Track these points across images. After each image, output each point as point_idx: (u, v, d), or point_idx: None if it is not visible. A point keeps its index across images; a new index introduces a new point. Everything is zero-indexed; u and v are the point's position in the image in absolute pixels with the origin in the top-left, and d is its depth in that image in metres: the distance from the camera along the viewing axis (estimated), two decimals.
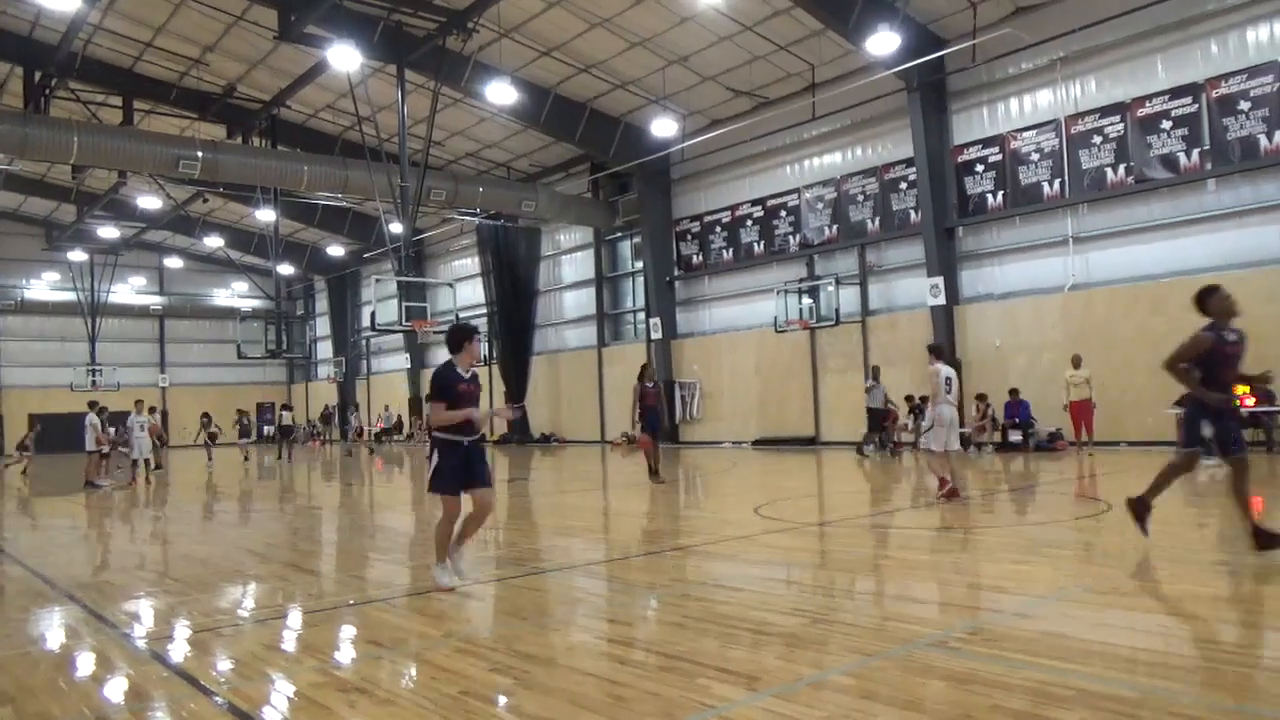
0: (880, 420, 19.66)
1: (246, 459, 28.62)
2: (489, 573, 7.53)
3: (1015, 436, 18.85)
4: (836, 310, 22.52)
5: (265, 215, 32.70)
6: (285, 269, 39.18)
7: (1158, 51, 17.68)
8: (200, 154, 22.47)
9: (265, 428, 42.30)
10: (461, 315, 28.50)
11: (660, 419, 15.11)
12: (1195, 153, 17.11)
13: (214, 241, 39.11)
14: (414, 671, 4.66)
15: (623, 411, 27.66)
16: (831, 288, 22.78)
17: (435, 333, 32.07)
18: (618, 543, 8.99)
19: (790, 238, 24.46)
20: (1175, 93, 17.30)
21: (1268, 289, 16.10)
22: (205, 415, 29.29)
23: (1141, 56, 17.89)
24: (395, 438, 38.33)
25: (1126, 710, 3.57)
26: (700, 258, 27.04)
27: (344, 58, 20.23)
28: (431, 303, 27.15)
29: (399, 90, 22.83)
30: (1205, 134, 16.94)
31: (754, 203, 25.38)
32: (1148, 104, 17.67)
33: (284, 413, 32.55)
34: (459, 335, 6.61)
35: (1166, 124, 17.41)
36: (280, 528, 11.52)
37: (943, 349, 11.77)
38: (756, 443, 24.80)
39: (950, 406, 10.88)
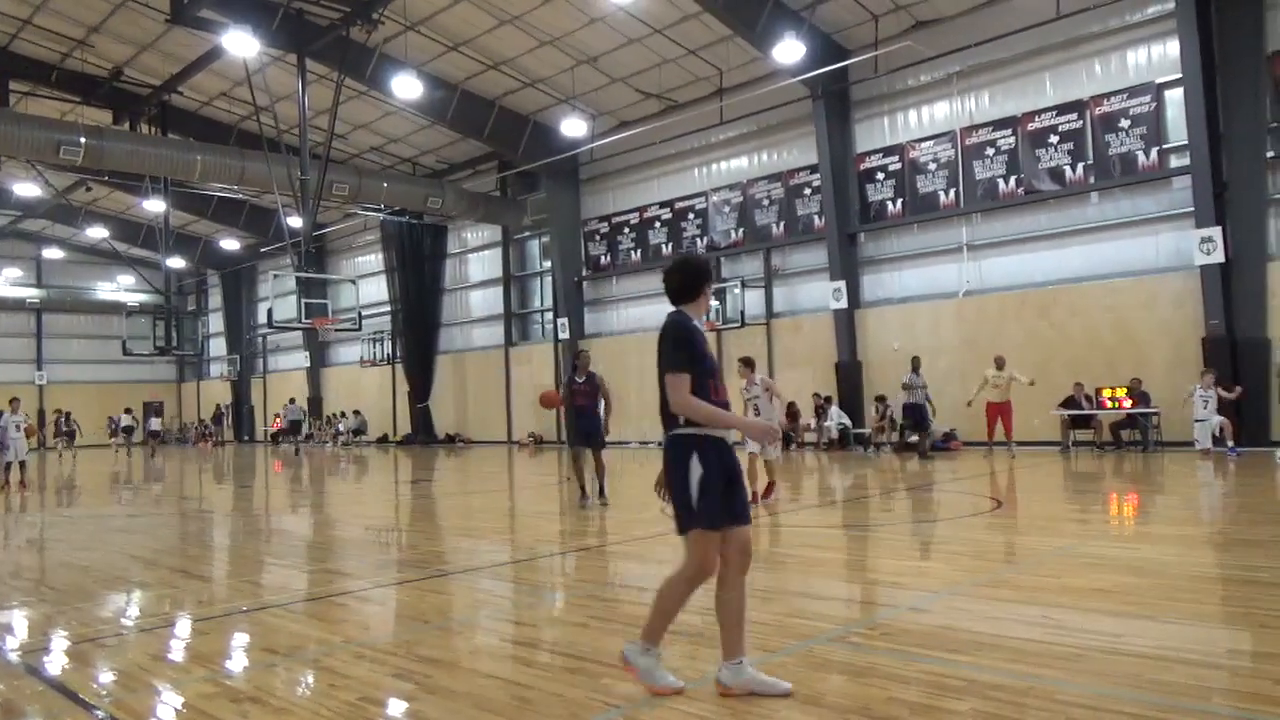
0: (924, 419, 17.62)
1: (66, 456, 27.00)
2: (390, 576, 7.37)
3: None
4: (742, 312, 22.84)
5: (155, 206, 31.21)
6: (176, 262, 37.40)
7: (1046, 69, 18.55)
8: (83, 140, 21.32)
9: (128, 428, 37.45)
10: (365, 313, 27.85)
11: (598, 423, 11.83)
12: (1080, 166, 18.01)
13: (98, 232, 37.10)
14: (311, 679, 4.51)
15: (533, 413, 27.57)
16: (737, 290, 23.10)
17: (337, 330, 31.33)
18: (523, 544, 8.92)
19: (697, 240, 24.71)
20: (1062, 109, 18.18)
21: (1143, 297, 17.17)
22: (65, 413, 28.00)
23: (1032, 73, 18.74)
24: (294, 439, 37.03)
25: (1013, 698, 3.72)
26: (609, 258, 27.07)
27: (241, 44, 19.49)
28: (333, 300, 26.43)
29: (299, 80, 22.14)
30: (1089, 149, 17.85)
31: (662, 204, 25.54)
32: (1037, 119, 18.52)
33: (124, 415, 31.29)
34: (698, 273, 4.08)
35: (1054, 138, 18.28)
36: (169, 532, 11.02)
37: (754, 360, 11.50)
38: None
39: None
